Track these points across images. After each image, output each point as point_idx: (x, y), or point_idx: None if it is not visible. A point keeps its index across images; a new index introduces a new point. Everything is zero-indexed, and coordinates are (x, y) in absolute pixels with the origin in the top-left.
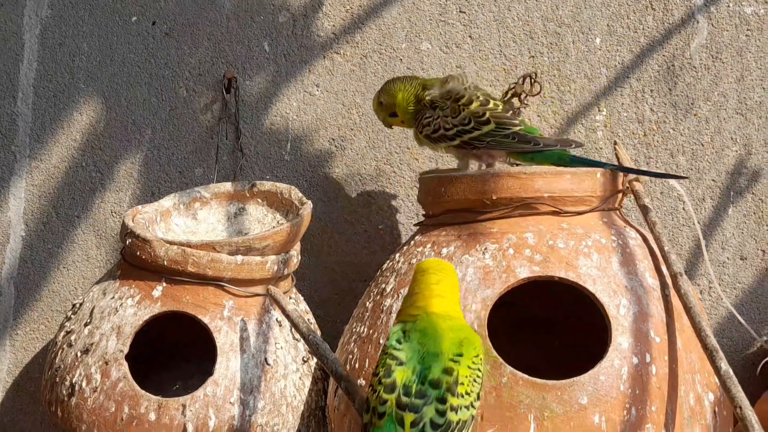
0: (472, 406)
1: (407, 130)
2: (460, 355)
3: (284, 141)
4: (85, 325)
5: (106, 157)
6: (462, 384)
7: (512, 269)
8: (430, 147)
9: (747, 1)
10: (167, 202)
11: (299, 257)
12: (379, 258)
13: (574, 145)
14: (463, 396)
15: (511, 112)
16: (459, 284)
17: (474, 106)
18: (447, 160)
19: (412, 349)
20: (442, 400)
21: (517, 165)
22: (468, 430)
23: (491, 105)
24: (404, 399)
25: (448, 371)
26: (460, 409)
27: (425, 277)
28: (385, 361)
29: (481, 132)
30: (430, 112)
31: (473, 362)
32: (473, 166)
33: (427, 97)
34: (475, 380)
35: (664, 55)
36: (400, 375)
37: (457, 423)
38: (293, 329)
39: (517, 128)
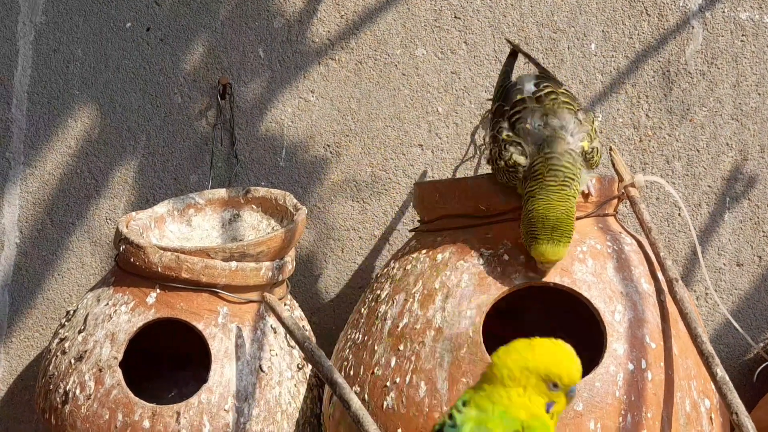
0: None
1: (402, 137)
2: None
3: (279, 147)
4: (79, 332)
5: (101, 164)
6: None
7: (507, 275)
8: None
9: (742, 7)
10: (161, 208)
11: (294, 263)
12: (375, 264)
13: None
14: None
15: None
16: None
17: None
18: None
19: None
20: None
21: None
22: None
23: None
24: None
25: None
26: None
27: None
28: None
29: None
30: None
31: None
32: None
33: None
34: None
35: (659, 61)
36: None
37: None
38: (288, 336)
39: None
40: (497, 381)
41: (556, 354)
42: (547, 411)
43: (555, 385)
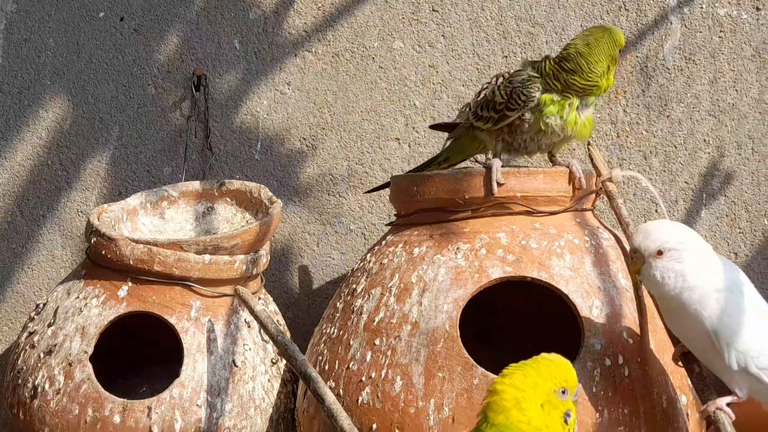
0: None
1: (379, 130)
2: None
3: (254, 140)
4: (49, 325)
5: (73, 156)
6: None
7: (484, 269)
8: None
9: (720, 3)
10: (134, 200)
11: (269, 257)
12: (350, 258)
13: None
14: None
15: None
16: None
17: None
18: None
19: None
20: None
21: None
22: None
23: None
24: None
25: None
26: None
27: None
28: None
29: None
30: None
31: None
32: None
33: None
34: None
35: (637, 57)
36: None
37: None
38: (262, 330)
39: None
40: (511, 407)
41: (556, 362)
42: (566, 423)
43: (563, 392)
